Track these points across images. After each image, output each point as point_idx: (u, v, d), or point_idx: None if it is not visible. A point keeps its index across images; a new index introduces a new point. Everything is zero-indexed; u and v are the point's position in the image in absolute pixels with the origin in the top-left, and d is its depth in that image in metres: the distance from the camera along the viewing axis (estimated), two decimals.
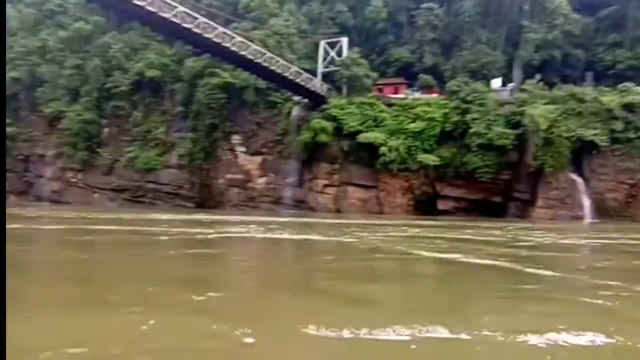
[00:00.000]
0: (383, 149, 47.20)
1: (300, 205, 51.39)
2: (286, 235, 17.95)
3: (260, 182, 54.73)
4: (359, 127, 49.53)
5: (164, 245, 14.07)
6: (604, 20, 54.26)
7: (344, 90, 54.73)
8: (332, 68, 56.06)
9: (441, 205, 47.44)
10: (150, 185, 59.54)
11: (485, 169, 45.12)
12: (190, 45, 50.93)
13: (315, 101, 53.51)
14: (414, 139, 47.54)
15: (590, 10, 55.08)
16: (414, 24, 58.98)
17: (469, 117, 46.62)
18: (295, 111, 55.17)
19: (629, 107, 44.45)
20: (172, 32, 44.67)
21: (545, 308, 6.13)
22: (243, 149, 56.48)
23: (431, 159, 46.29)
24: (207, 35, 43.33)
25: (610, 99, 45.25)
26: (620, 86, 46.58)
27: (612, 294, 6.67)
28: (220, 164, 56.82)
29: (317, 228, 23.00)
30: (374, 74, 55.43)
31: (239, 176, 55.62)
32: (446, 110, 48.26)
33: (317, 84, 53.64)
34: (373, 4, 61.83)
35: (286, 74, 49.79)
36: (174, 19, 40.30)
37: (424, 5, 58.34)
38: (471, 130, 45.90)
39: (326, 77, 55.98)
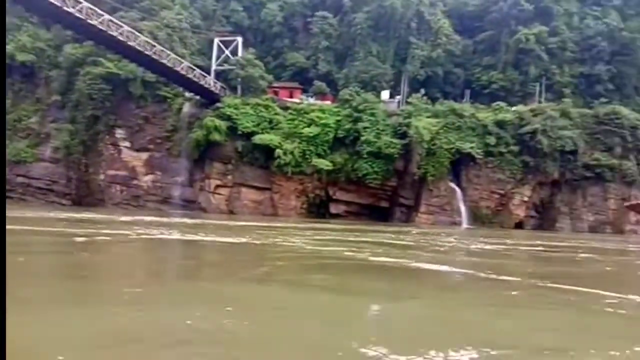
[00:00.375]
0: (278, 152, 47.28)
1: (190, 205, 49.67)
2: (216, 238, 17.06)
3: (146, 179, 51.92)
4: (254, 128, 49.19)
5: (99, 248, 12.63)
6: (480, 44, 59.47)
7: (239, 90, 54.05)
8: (226, 67, 55.12)
9: (333, 208, 48.69)
10: (20, 180, 53.71)
11: (374, 175, 47.10)
12: (71, 30, 47.03)
13: (208, 99, 52.17)
14: (309, 144, 48.23)
15: (469, 33, 60.11)
16: (310, 31, 59.94)
17: (360, 125, 48.38)
18: (187, 107, 53.31)
19: (500, 124, 49.08)
20: (50, 14, 40.82)
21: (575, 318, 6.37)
22: (127, 144, 53.21)
23: (325, 164, 47.29)
24: (92, 22, 40.21)
25: (485, 115, 49.67)
26: (494, 104, 51.37)
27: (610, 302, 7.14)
28: (101, 159, 52.96)
29: (237, 230, 22.24)
30: (270, 77, 55.44)
31: (123, 173, 52.28)
32: (339, 118, 49.65)
33: (210, 82, 52.29)
34: (268, 6, 61.81)
35: (178, 69, 47.91)
36: (53, 1, 36.85)
37: (319, 13, 59.55)
38: (362, 138, 47.67)
39: (220, 75, 54.92)
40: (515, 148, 48.42)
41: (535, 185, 49.30)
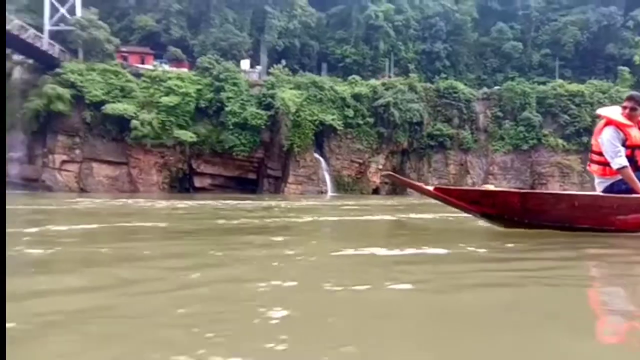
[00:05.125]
0: (135, 122, 43.63)
1: (32, 184, 43.49)
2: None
3: None
4: (104, 97, 44.65)
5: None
6: (332, 17, 61.03)
7: (80, 54, 48.39)
8: (63, 27, 48.88)
9: (198, 182, 46.76)
10: None
11: (241, 147, 46.20)
12: None
13: (45, 63, 45.87)
14: (168, 114, 45.29)
15: (322, 6, 61.18)
16: None
17: (223, 95, 46.81)
18: (18, 73, 46.40)
19: (357, 96, 51.34)
20: None
21: None
22: None
23: (188, 135, 44.94)
24: None
25: (343, 88, 51.47)
26: (350, 78, 53.42)
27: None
28: None
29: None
30: (117, 40, 50.46)
31: None
32: (200, 87, 47.41)
33: (46, 44, 45.91)
34: None
35: (8, 28, 41.10)
36: None
37: None
38: (227, 109, 46.26)
39: (56, 36, 48.42)
40: (371, 120, 51.20)
41: (388, 154, 52.91)
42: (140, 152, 44.46)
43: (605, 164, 6.28)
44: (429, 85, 56.11)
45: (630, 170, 6.09)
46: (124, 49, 51.32)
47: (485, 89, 57.78)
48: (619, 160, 6.08)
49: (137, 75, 47.45)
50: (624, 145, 6.16)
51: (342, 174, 49.63)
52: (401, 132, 52.32)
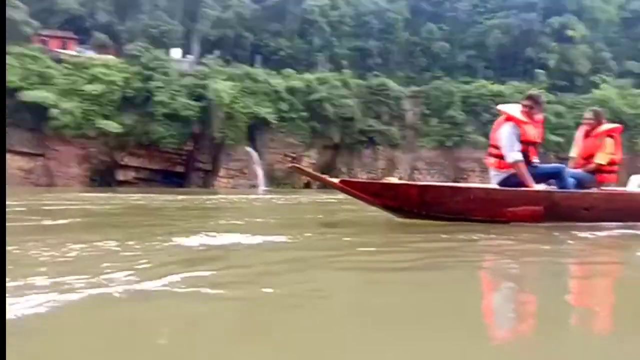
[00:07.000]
0: (54, 112, 41.22)
1: None
2: None
3: None
4: (21, 83, 41.73)
5: None
6: (268, 9, 60.36)
7: None
8: None
9: (121, 175, 44.83)
10: None
11: (170, 139, 44.79)
12: None
13: None
14: (92, 103, 43.09)
15: None
16: None
17: (152, 84, 45.14)
18: None
19: (291, 90, 51.22)
20: None
21: None
22: None
23: (113, 126, 42.98)
24: None
25: (278, 82, 51.17)
26: (284, 71, 53.19)
27: None
28: None
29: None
30: (36, 23, 47.39)
31: None
32: (127, 75, 45.44)
33: None
34: None
35: None
36: None
37: None
38: (155, 99, 44.63)
39: None
40: (305, 114, 51.26)
41: (321, 148, 53.26)
42: (59, 143, 42.08)
43: (501, 157, 6.70)
44: (361, 82, 56.85)
45: (523, 165, 6.55)
46: (44, 32, 48.26)
47: (413, 87, 59.41)
48: (514, 154, 6.52)
49: (58, 61, 44.83)
50: (519, 140, 6.59)
51: (275, 168, 49.36)
52: (334, 127, 52.77)
